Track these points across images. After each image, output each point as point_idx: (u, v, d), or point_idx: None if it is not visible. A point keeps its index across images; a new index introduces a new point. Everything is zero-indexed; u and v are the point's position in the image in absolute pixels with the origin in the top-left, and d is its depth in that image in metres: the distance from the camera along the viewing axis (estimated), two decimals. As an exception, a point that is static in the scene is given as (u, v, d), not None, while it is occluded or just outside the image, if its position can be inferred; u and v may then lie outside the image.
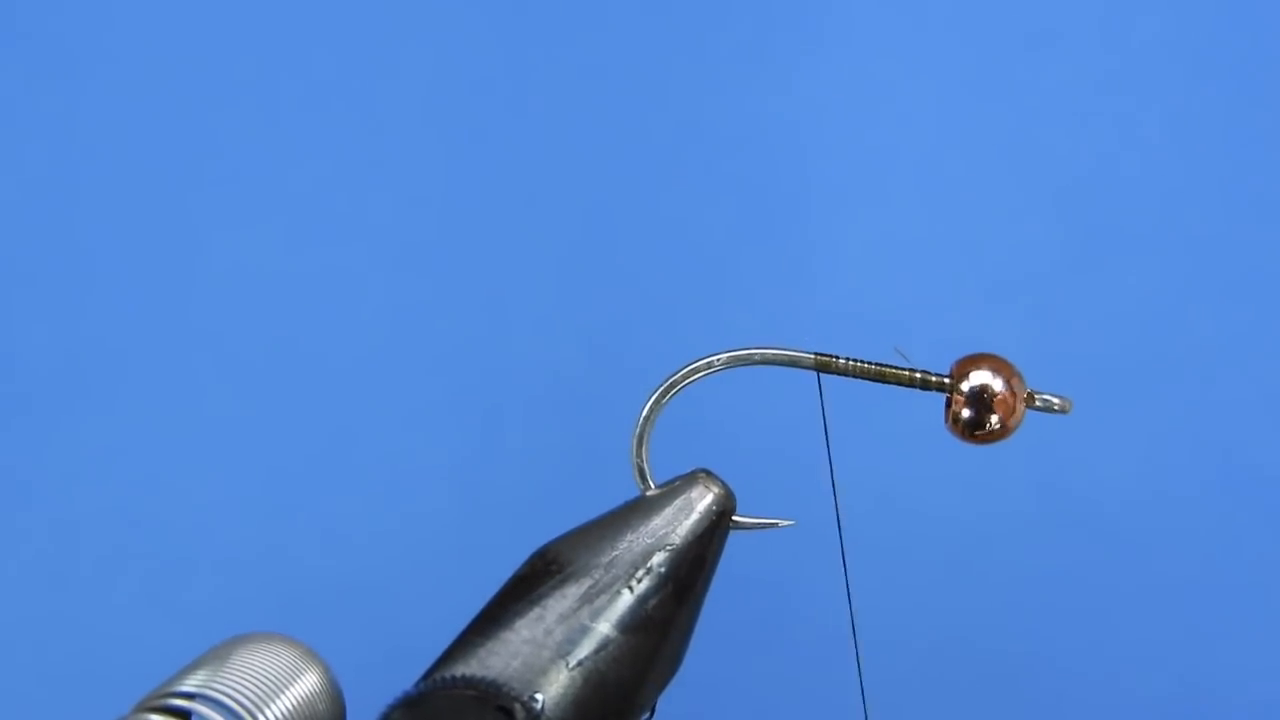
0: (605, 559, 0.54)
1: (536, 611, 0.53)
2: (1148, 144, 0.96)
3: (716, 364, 0.57)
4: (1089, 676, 0.93)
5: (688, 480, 0.57)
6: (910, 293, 0.95)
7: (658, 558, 0.55)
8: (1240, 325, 0.94)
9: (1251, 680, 0.93)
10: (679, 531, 0.55)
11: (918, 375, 0.57)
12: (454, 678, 0.49)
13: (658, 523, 0.55)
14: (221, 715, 0.50)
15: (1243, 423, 0.94)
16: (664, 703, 0.56)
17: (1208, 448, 0.94)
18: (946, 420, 0.57)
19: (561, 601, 0.53)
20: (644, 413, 0.57)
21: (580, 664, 0.52)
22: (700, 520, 0.56)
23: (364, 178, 0.98)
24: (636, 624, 0.53)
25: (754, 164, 0.97)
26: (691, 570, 0.55)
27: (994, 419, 0.56)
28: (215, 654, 0.53)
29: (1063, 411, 0.57)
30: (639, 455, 0.57)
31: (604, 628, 0.53)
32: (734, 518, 0.57)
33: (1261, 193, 0.95)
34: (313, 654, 0.55)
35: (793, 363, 0.57)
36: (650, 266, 0.96)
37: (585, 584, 0.54)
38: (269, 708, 0.51)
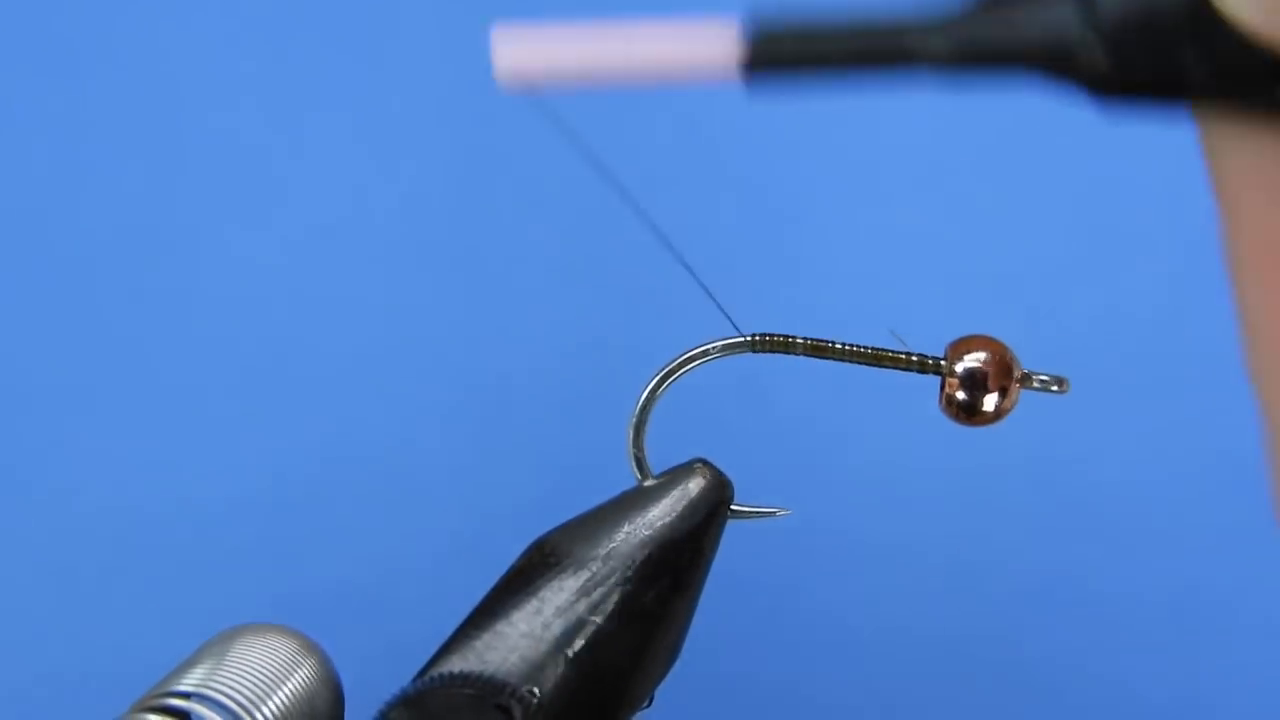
0: (602, 550, 0.54)
1: (534, 604, 0.53)
2: (1149, 139, 0.96)
3: (712, 352, 0.57)
4: (1089, 673, 0.93)
5: (685, 470, 0.57)
6: (908, 283, 0.95)
7: (655, 549, 0.54)
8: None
9: (1252, 679, 0.93)
10: (676, 522, 0.55)
11: (914, 358, 0.57)
12: (452, 675, 0.49)
13: (655, 513, 0.55)
14: (219, 714, 0.50)
15: (1243, 421, 0.94)
16: (662, 693, 0.55)
17: (1209, 446, 0.94)
18: (940, 403, 0.57)
19: (559, 594, 0.53)
20: (640, 402, 0.57)
21: (578, 656, 0.52)
22: (697, 510, 0.56)
23: (363, 175, 0.98)
24: (634, 616, 0.53)
25: (753, 154, 0.97)
26: (689, 561, 0.55)
27: (988, 401, 0.56)
28: (213, 648, 0.53)
29: (1060, 392, 0.57)
30: (636, 445, 0.57)
31: (601, 620, 0.53)
32: (731, 507, 0.57)
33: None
34: (310, 643, 0.55)
35: (787, 348, 0.57)
36: (646, 255, 0.96)
37: (583, 576, 0.53)
38: (267, 703, 0.51)
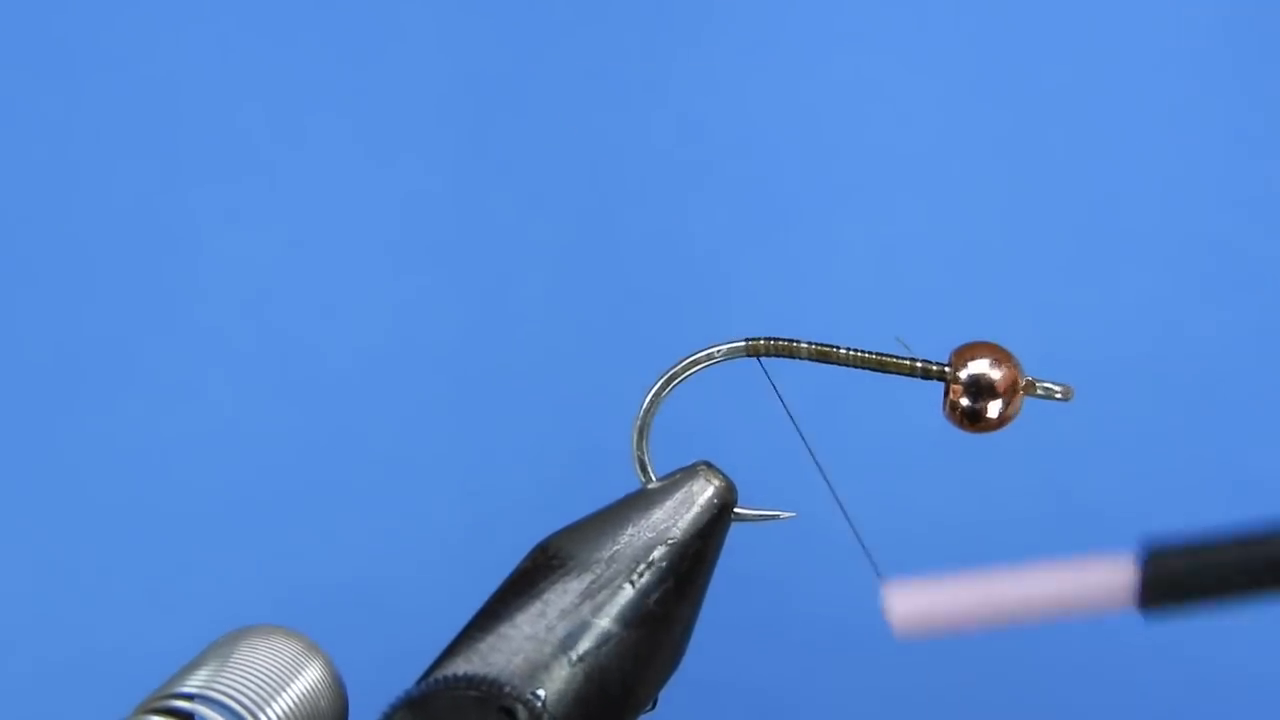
0: (606, 553, 0.54)
1: (538, 606, 0.53)
2: (1149, 138, 0.96)
3: (717, 355, 0.57)
4: (1089, 671, 0.93)
5: (689, 473, 0.57)
6: (913, 287, 0.95)
7: (659, 551, 0.54)
8: (1243, 324, 0.94)
9: (1253, 678, 0.93)
10: (680, 525, 0.55)
11: (918, 364, 0.57)
12: (456, 677, 0.49)
13: (659, 516, 0.55)
14: (224, 716, 0.50)
15: (1243, 422, 0.94)
16: (665, 696, 0.56)
17: (1209, 447, 0.94)
18: (945, 409, 0.57)
19: (563, 596, 0.53)
20: (644, 405, 0.57)
21: (582, 659, 0.52)
22: (701, 513, 0.56)
23: (364, 174, 0.98)
24: (638, 619, 0.53)
25: (758, 155, 0.97)
26: (693, 564, 0.55)
27: (992, 408, 0.56)
28: (217, 650, 0.53)
29: (1064, 399, 0.57)
30: (640, 448, 0.57)
31: (605, 623, 0.53)
32: (735, 510, 0.57)
33: (1264, 190, 0.95)
34: (314, 646, 0.55)
35: (791, 353, 0.57)
36: (650, 258, 0.96)
37: (587, 579, 0.54)
38: (271, 706, 0.51)
